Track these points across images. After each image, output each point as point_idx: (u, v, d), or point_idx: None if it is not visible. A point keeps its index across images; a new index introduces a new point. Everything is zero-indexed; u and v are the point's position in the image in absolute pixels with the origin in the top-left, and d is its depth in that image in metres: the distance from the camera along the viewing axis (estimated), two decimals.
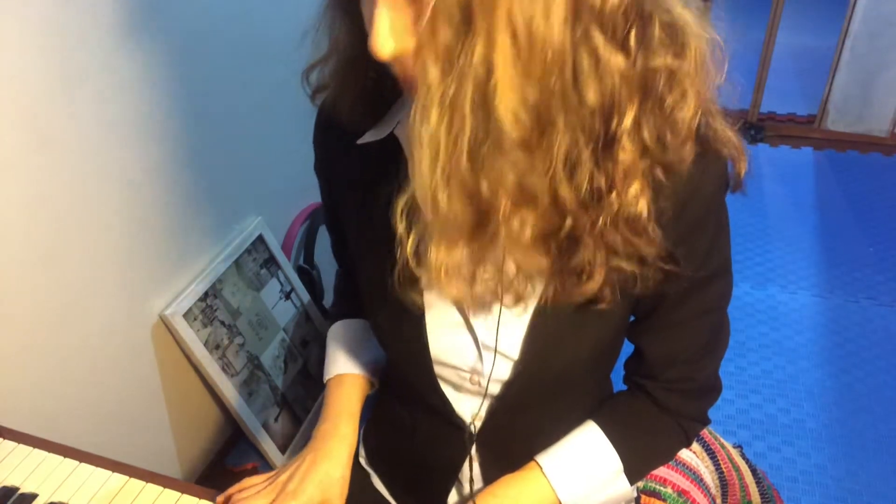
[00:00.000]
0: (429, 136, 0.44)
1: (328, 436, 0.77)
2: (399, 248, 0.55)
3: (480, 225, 0.49)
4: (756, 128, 3.05)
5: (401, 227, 0.52)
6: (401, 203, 0.50)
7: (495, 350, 0.66)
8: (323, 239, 1.85)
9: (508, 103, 0.42)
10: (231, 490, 0.73)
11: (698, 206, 0.57)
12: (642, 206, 0.51)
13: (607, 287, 0.57)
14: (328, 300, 1.88)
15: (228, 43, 1.43)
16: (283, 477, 0.73)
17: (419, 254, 0.55)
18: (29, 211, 1.04)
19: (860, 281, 2.19)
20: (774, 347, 1.95)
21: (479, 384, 0.70)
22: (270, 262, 1.63)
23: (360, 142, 0.64)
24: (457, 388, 0.72)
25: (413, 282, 0.61)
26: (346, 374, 0.83)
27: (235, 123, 1.50)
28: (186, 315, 1.37)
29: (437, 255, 0.51)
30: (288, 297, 1.67)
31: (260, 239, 1.61)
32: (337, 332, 0.88)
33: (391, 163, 0.60)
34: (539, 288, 0.60)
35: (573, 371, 0.68)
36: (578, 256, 0.53)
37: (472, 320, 0.66)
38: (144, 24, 1.20)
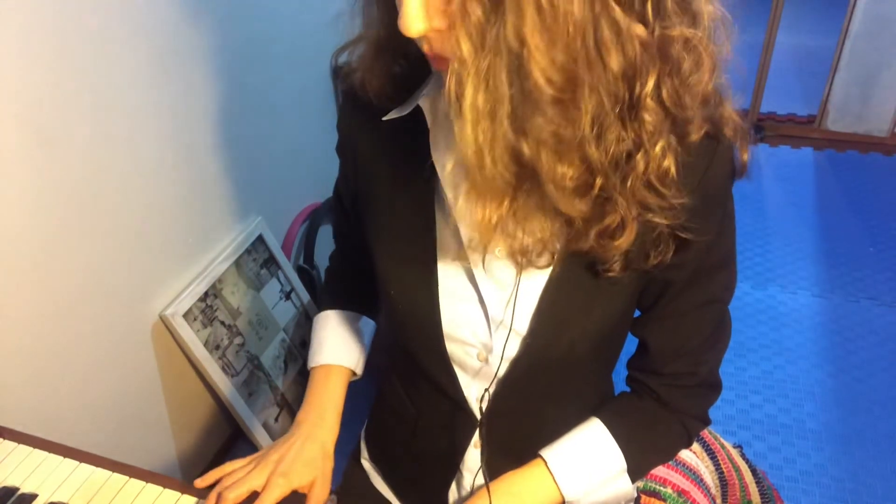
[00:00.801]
0: (469, 106, 0.47)
1: (315, 424, 0.79)
2: (436, 210, 0.60)
3: (522, 181, 0.53)
4: (756, 128, 3.05)
5: (449, 193, 0.56)
6: (448, 168, 0.54)
7: (511, 327, 0.68)
8: (323, 239, 1.85)
9: (541, 66, 0.45)
10: (213, 473, 0.74)
11: (708, 189, 0.60)
12: (669, 162, 0.54)
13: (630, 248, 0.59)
14: None
15: (228, 43, 1.43)
16: (275, 456, 0.74)
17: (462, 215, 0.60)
18: (29, 211, 1.04)
19: (860, 281, 2.19)
20: (774, 347, 1.95)
21: (487, 361, 0.71)
22: (270, 262, 1.63)
23: (386, 118, 0.67)
24: (464, 368, 0.73)
25: (443, 242, 0.66)
26: (333, 364, 0.84)
27: (235, 123, 1.50)
28: (186, 315, 1.37)
29: (483, 212, 0.55)
30: (288, 297, 1.67)
31: (260, 239, 1.61)
32: (326, 320, 0.89)
33: (418, 134, 0.64)
34: (568, 247, 0.63)
35: (579, 350, 0.68)
36: (611, 212, 0.56)
37: (484, 294, 0.67)
38: (144, 24, 1.20)
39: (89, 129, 1.12)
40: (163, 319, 1.35)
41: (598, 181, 0.54)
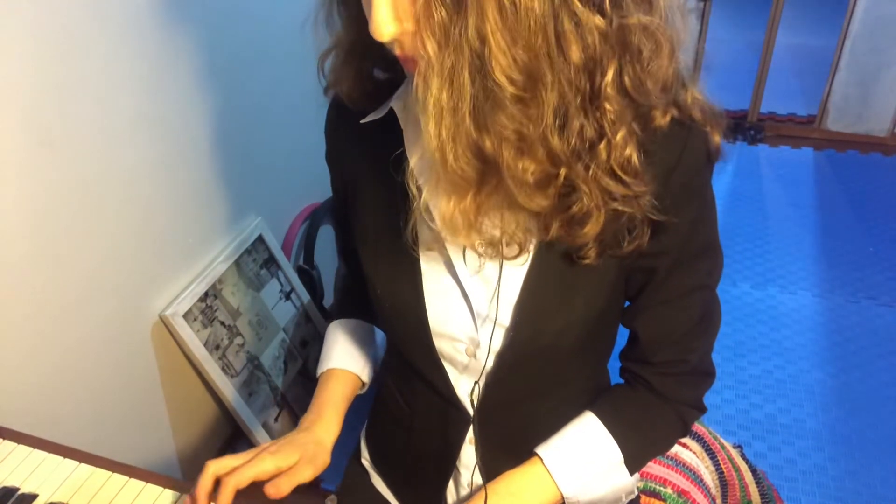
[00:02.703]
0: (433, 103, 0.49)
1: (313, 424, 0.78)
2: (411, 206, 0.61)
3: (486, 175, 0.54)
4: (756, 128, 3.05)
5: (413, 187, 0.57)
6: (412, 163, 0.56)
7: (496, 320, 0.68)
8: (323, 239, 1.85)
9: (502, 66, 0.47)
10: (210, 464, 0.71)
11: (682, 176, 0.60)
12: (630, 150, 0.55)
13: (601, 235, 0.60)
14: (328, 300, 1.88)
15: (228, 43, 1.43)
16: (265, 444, 0.74)
17: (429, 210, 0.62)
18: (28, 211, 1.04)
19: (860, 281, 2.19)
20: (774, 347, 1.95)
21: (475, 356, 0.71)
22: (270, 262, 1.63)
23: (363, 121, 0.68)
24: (453, 364, 0.73)
25: (423, 238, 0.68)
26: (337, 368, 0.85)
27: (235, 124, 1.50)
28: (186, 315, 1.37)
29: (448, 206, 0.57)
30: (288, 297, 1.67)
31: (260, 239, 1.61)
32: (335, 330, 0.90)
33: (392, 134, 0.66)
34: (538, 237, 0.64)
35: (564, 341, 0.69)
36: (577, 201, 0.57)
37: (467, 289, 0.68)
38: (144, 24, 1.20)
39: (89, 129, 1.12)
40: (163, 319, 1.35)
41: (562, 172, 0.55)
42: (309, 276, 1.81)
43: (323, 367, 0.86)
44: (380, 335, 0.93)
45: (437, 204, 0.57)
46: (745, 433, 1.70)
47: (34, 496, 0.72)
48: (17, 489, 0.73)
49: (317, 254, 1.85)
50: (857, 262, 2.28)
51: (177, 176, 1.34)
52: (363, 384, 0.87)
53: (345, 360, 0.86)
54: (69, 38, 1.05)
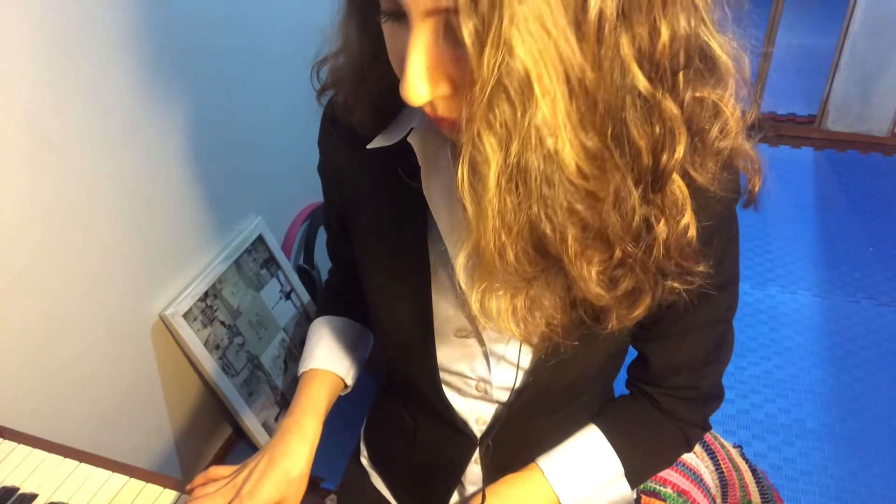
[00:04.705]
0: (489, 201, 0.43)
1: (289, 431, 0.74)
2: (439, 248, 0.60)
3: (545, 271, 0.50)
4: (756, 128, 3.04)
5: (464, 282, 0.54)
6: (460, 261, 0.49)
7: (517, 365, 0.66)
8: (323, 239, 1.84)
9: (574, 158, 0.42)
10: (197, 480, 0.72)
11: (711, 215, 0.57)
12: (692, 233, 0.52)
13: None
14: None
15: (228, 43, 1.43)
16: (241, 477, 0.70)
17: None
18: (28, 211, 1.04)
19: (860, 281, 2.19)
20: (774, 347, 1.95)
21: (486, 392, 0.70)
22: (270, 262, 1.63)
23: (370, 146, 0.63)
24: (461, 392, 0.72)
25: (448, 286, 0.64)
26: (319, 369, 0.81)
27: (235, 123, 1.50)
28: (186, 315, 1.37)
29: (500, 303, 0.52)
30: (288, 297, 1.67)
31: (260, 239, 1.61)
32: (320, 327, 0.86)
33: (405, 165, 0.60)
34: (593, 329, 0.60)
35: (583, 380, 0.68)
36: (628, 283, 0.53)
37: (482, 330, 0.66)
38: (144, 24, 1.20)
39: (89, 129, 1.12)
40: (163, 319, 1.35)
41: (617, 254, 0.50)
42: (309, 275, 1.81)
43: (306, 366, 0.82)
44: (367, 336, 0.90)
45: (483, 301, 0.52)
46: (745, 433, 1.70)
47: (34, 496, 0.72)
48: (17, 489, 0.73)
49: (317, 253, 1.85)
50: (857, 262, 2.28)
51: (177, 176, 1.34)
52: (346, 386, 0.84)
53: (329, 361, 0.82)
54: (69, 39, 1.05)
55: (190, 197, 1.39)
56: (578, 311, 0.57)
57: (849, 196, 2.65)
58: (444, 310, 0.67)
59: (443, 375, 0.70)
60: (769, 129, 3.12)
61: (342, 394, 0.84)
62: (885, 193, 2.66)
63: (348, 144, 0.67)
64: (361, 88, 0.61)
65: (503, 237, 0.45)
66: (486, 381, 0.69)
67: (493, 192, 0.43)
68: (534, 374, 0.65)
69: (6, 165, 0.99)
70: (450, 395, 0.73)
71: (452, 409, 0.72)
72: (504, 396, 0.69)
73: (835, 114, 2.99)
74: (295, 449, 0.72)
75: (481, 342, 0.67)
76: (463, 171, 0.44)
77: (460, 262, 0.50)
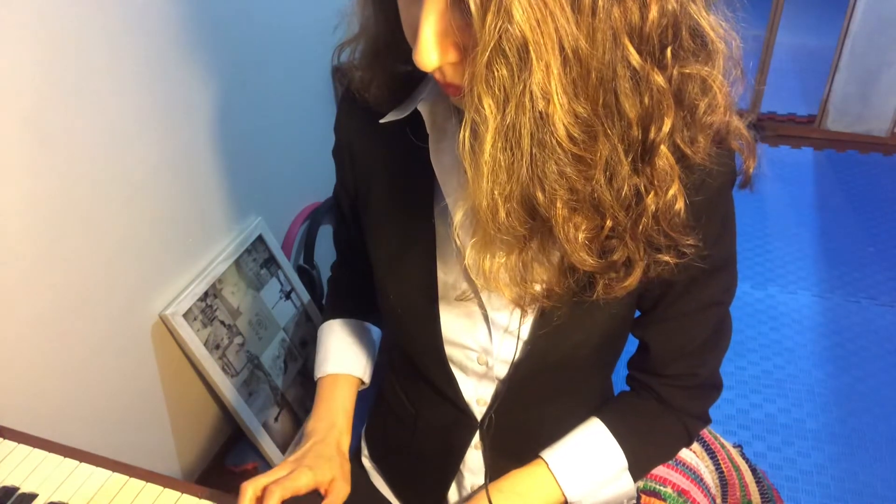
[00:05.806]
0: (486, 161, 0.47)
1: (328, 430, 0.78)
2: (446, 218, 0.62)
3: (535, 232, 0.53)
4: (756, 128, 3.05)
5: (458, 240, 0.56)
6: (457, 218, 0.53)
7: (517, 336, 0.68)
8: (323, 239, 1.85)
9: (564, 123, 0.45)
10: (247, 486, 0.70)
11: (707, 195, 0.59)
12: (680, 205, 0.54)
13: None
14: None
15: (228, 42, 1.43)
16: (297, 454, 0.74)
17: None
18: (29, 211, 1.04)
19: (860, 281, 2.19)
20: (774, 347, 1.95)
21: (487, 364, 0.71)
22: (270, 262, 1.63)
23: (382, 121, 0.67)
24: (463, 369, 0.73)
25: (453, 253, 0.67)
26: (339, 373, 0.84)
27: (235, 123, 1.50)
28: (186, 315, 1.37)
29: (492, 262, 0.55)
30: (288, 297, 1.67)
31: (260, 239, 1.61)
32: (331, 331, 0.88)
33: (416, 137, 0.64)
34: (580, 295, 0.62)
35: (581, 353, 0.68)
36: (620, 254, 0.56)
37: (484, 298, 0.67)
38: (144, 24, 1.20)
39: (89, 129, 1.12)
40: (163, 319, 1.35)
41: (608, 224, 0.53)
42: (309, 275, 1.81)
43: (324, 371, 0.85)
44: (375, 331, 0.92)
45: (477, 258, 0.55)
46: (745, 433, 1.70)
47: (34, 496, 0.72)
48: (17, 489, 0.73)
49: (317, 253, 1.85)
50: (856, 262, 2.28)
51: (177, 176, 1.34)
52: (363, 383, 0.87)
53: (347, 363, 0.85)
54: (71, 38, 1.05)
55: (190, 197, 1.39)
56: (569, 278, 0.60)
57: (849, 196, 2.65)
58: (447, 275, 0.69)
59: (447, 349, 0.71)
60: (769, 129, 3.10)
61: (360, 389, 0.88)
62: (885, 193, 2.66)
63: (363, 120, 0.70)
64: (377, 65, 0.65)
65: (496, 195, 0.48)
66: (487, 352, 0.70)
67: (489, 152, 0.46)
68: (533, 342, 0.67)
69: (6, 165, 0.99)
70: (454, 372, 0.73)
71: (455, 383, 0.73)
72: (504, 371, 0.70)
73: (835, 114, 2.99)
74: (339, 442, 0.78)
75: (482, 306, 0.68)
76: (465, 134, 0.47)
77: (458, 220, 0.53)
